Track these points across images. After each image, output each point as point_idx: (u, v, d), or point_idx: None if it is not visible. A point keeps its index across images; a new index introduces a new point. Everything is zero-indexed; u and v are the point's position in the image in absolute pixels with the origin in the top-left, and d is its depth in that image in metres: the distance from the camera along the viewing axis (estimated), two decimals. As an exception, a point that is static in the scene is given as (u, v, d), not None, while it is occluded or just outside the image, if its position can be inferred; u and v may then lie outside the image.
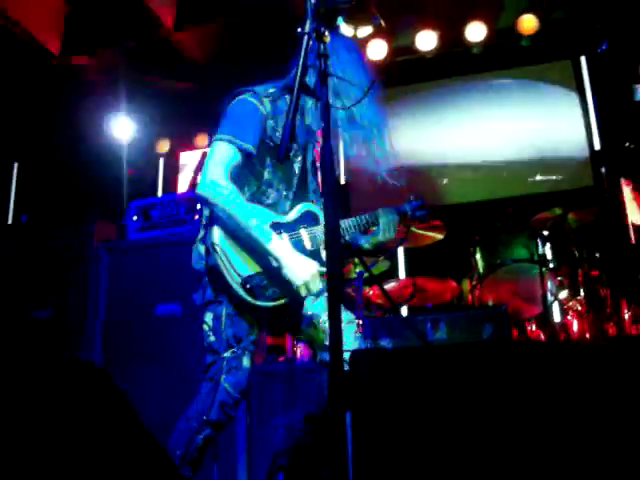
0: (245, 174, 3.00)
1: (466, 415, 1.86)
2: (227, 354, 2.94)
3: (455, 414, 1.86)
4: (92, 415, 2.01)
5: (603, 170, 7.44)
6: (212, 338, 2.96)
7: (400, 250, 7.05)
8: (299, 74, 2.10)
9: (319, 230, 3.05)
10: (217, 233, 2.88)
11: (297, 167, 3.10)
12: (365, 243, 3.30)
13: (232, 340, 2.94)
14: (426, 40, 7.52)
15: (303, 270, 2.83)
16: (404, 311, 6.31)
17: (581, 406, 1.84)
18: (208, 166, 2.86)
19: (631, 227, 6.98)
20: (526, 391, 1.88)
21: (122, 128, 8.30)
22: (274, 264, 2.82)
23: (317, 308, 3.04)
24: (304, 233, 3.03)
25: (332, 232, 2.00)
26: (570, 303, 5.65)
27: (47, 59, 7.59)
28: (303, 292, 2.84)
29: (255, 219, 2.82)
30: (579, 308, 5.60)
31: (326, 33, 2.10)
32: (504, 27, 7.60)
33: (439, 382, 1.91)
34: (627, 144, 7.12)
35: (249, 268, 2.87)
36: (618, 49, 7.48)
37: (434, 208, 7.55)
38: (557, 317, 5.68)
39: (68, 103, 7.93)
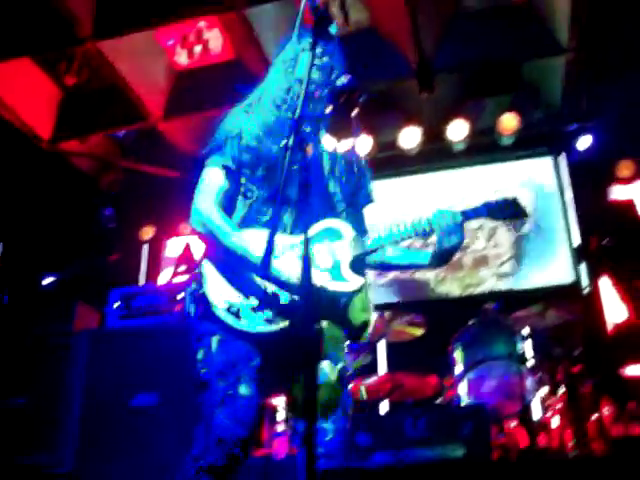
0: (234, 195, 2.88)
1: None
2: (220, 384, 2.61)
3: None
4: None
5: (583, 266, 7.53)
6: (203, 370, 2.69)
7: (381, 345, 7.04)
8: (282, 185, 2.12)
9: (340, 245, 2.76)
10: (206, 262, 2.79)
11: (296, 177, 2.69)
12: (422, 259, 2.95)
13: (224, 367, 2.64)
14: (409, 137, 7.74)
15: (291, 266, 2.62)
16: (384, 406, 6.26)
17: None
18: (195, 195, 2.82)
19: (611, 324, 7.04)
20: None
21: (109, 213, 8.40)
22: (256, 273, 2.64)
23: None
24: (320, 248, 2.76)
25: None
26: (550, 400, 5.64)
27: (37, 143, 7.70)
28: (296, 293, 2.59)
29: (234, 233, 2.70)
30: (559, 406, 5.59)
31: (309, 147, 2.15)
32: (486, 126, 7.83)
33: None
34: (605, 241, 7.24)
35: (238, 293, 2.70)
36: (597, 148, 7.69)
37: (413, 303, 7.64)
38: (537, 414, 5.64)
39: (56, 186, 8.01)
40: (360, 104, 2.22)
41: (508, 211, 2.84)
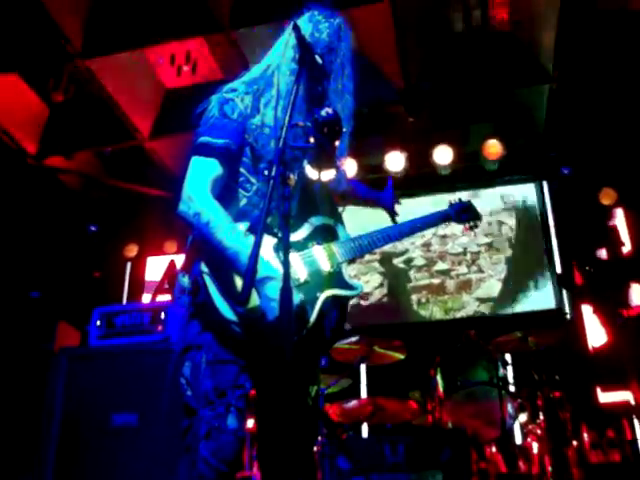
0: (230, 185, 2.59)
1: None
2: (206, 412, 2.37)
3: None
4: None
5: (565, 293, 7.58)
6: (189, 393, 2.44)
7: (362, 369, 7.04)
8: (264, 215, 2.08)
9: (338, 247, 2.67)
10: (204, 265, 2.45)
11: (296, 174, 2.59)
12: None
13: (212, 394, 2.39)
14: (395, 161, 7.80)
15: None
16: (364, 430, 6.25)
17: None
18: (186, 180, 2.48)
19: (592, 350, 7.09)
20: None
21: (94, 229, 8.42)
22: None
23: None
24: (319, 251, 2.61)
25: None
26: (530, 426, 5.64)
27: (23, 158, 7.69)
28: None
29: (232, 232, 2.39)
30: (539, 432, 5.60)
31: (291, 177, 2.12)
32: (470, 151, 7.89)
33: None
34: (587, 267, 7.30)
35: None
36: (580, 174, 7.77)
37: (396, 326, 7.65)
38: (518, 440, 5.65)
39: (41, 201, 8.00)
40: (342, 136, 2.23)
41: (468, 214, 3.39)
